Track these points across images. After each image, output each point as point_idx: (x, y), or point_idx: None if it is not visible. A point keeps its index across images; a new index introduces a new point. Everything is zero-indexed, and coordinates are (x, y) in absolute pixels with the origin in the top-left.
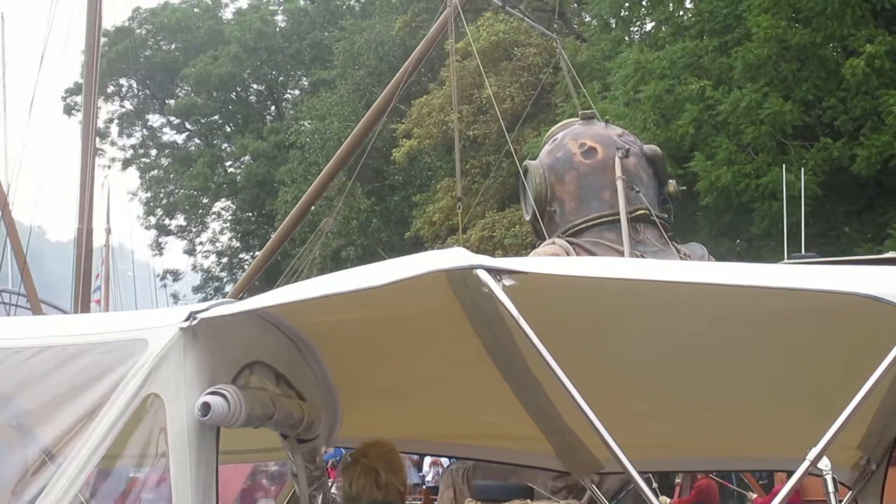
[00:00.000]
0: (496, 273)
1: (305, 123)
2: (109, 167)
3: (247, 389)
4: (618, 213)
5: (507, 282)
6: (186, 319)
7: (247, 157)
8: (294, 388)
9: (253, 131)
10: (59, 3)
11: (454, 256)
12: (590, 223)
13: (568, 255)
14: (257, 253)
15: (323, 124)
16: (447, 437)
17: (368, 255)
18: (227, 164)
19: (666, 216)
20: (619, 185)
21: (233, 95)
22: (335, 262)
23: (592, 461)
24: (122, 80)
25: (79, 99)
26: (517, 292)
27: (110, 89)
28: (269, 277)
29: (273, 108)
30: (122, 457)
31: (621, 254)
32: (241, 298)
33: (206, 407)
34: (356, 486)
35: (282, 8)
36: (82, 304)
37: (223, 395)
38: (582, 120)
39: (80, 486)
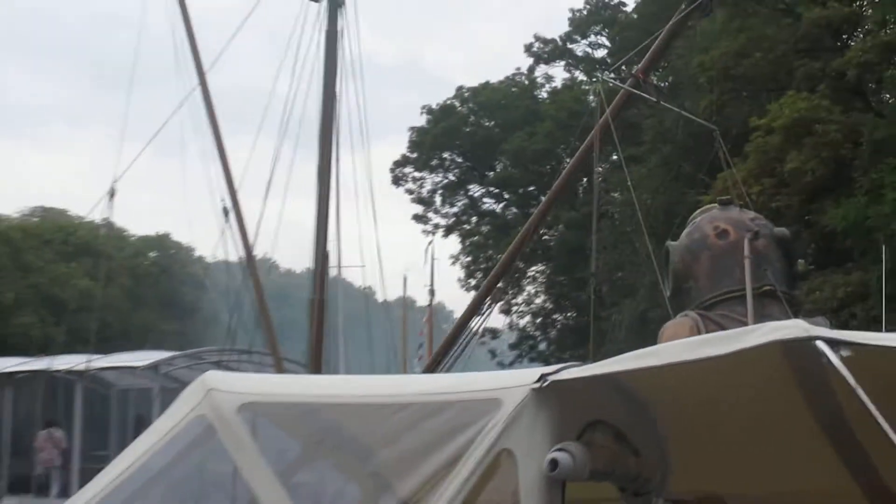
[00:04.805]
0: (834, 344)
1: (615, 195)
2: (434, 233)
3: (590, 446)
4: (745, 289)
5: (845, 353)
6: (538, 381)
7: (560, 226)
8: (631, 445)
9: (565, 202)
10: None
11: (793, 328)
12: (720, 298)
13: (697, 325)
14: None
15: (632, 195)
16: (772, 497)
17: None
18: (542, 231)
19: (795, 293)
20: (746, 263)
21: (547, 168)
22: (641, 322)
23: None
24: (446, 154)
25: (406, 170)
26: (852, 362)
27: (434, 161)
28: (579, 339)
29: (584, 179)
30: None
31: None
32: (439, 361)
33: (554, 463)
34: None
35: (593, 88)
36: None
37: (569, 452)
38: (720, 205)
39: None
